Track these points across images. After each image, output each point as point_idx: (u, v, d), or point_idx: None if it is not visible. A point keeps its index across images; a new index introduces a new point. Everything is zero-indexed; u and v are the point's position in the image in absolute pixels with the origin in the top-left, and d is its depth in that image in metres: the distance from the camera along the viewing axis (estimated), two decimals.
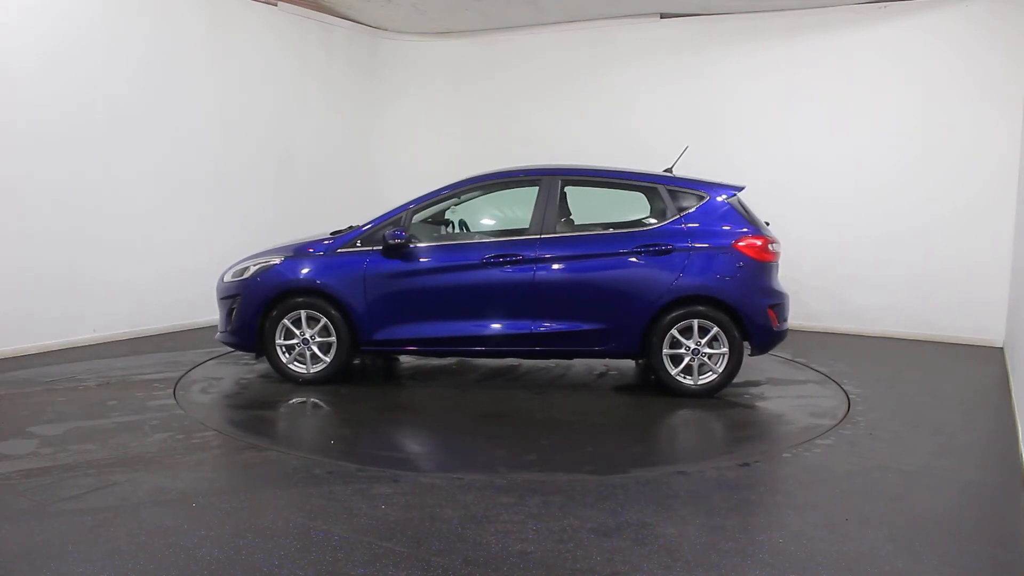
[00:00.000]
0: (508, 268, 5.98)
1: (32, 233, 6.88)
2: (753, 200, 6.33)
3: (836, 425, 5.30)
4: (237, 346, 6.31)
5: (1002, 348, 7.87)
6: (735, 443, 5.09)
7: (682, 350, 5.87)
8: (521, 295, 5.96)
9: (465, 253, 6.12)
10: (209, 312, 8.38)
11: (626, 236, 6.01)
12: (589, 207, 6.46)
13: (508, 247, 6.05)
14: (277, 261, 6.24)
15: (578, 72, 9.99)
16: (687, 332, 5.86)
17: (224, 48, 8.59)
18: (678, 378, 5.90)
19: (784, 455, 4.78)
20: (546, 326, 5.98)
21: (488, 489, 4.04)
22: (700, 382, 5.88)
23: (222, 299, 6.37)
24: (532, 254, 5.97)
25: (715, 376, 5.88)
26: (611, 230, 6.10)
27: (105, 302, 7.51)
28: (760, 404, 5.97)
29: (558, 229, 6.08)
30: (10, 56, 6.67)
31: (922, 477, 4.40)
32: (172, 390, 5.87)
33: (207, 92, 8.41)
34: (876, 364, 7.27)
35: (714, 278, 5.83)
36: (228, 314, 6.28)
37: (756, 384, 6.41)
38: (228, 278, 6.39)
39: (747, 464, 4.56)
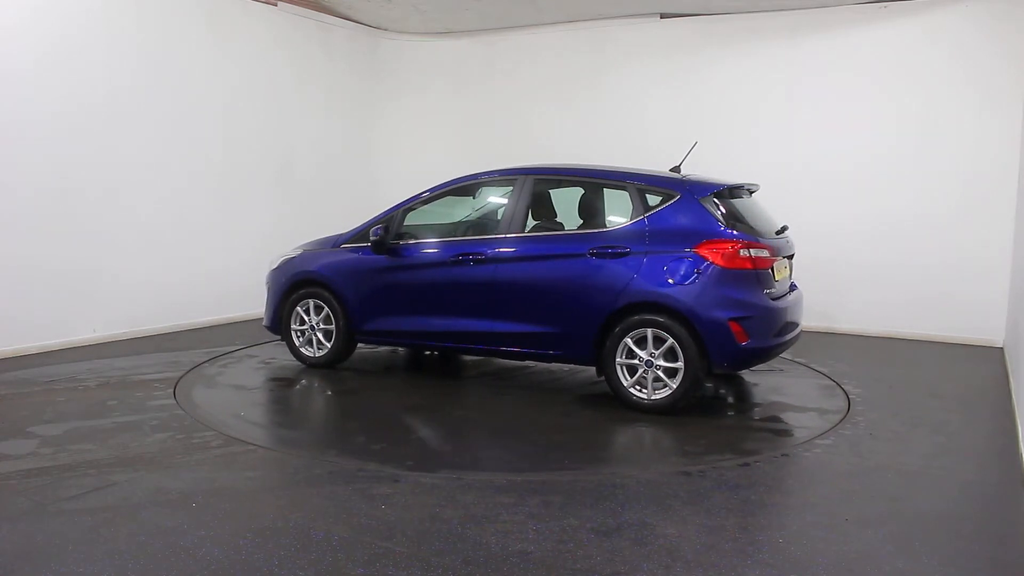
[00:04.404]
0: (472, 267, 5.99)
1: (32, 233, 6.88)
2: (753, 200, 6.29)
3: (836, 425, 5.30)
4: (269, 330, 6.92)
5: (1002, 348, 7.87)
6: (717, 447, 5.06)
7: (636, 360, 5.47)
8: (482, 294, 5.96)
9: (438, 251, 6.23)
10: (209, 312, 8.44)
11: (586, 237, 5.75)
12: (573, 207, 6.30)
13: (474, 246, 6.09)
14: (296, 254, 6.83)
15: (578, 72, 9.98)
16: (643, 342, 5.44)
17: (224, 48, 8.58)
18: (631, 391, 5.47)
19: (784, 455, 4.78)
20: (503, 326, 5.92)
21: (488, 489, 4.04)
22: (654, 397, 5.41)
23: (265, 286, 7.00)
24: (493, 253, 5.97)
25: (669, 392, 5.38)
26: (580, 231, 5.88)
27: (105, 302, 7.51)
28: (758, 403, 5.97)
29: (529, 229, 6.02)
30: (10, 56, 6.66)
31: (922, 477, 4.40)
32: (172, 390, 5.87)
33: (207, 92, 8.41)
34: (876, 364, 7.26)
35: (667, 284, 5.34)
36: (266, 301, 6.95)
37: (755, 389, 6.42)
38: (268, 268, 7.03)
39: (747, 464, 4.56)
